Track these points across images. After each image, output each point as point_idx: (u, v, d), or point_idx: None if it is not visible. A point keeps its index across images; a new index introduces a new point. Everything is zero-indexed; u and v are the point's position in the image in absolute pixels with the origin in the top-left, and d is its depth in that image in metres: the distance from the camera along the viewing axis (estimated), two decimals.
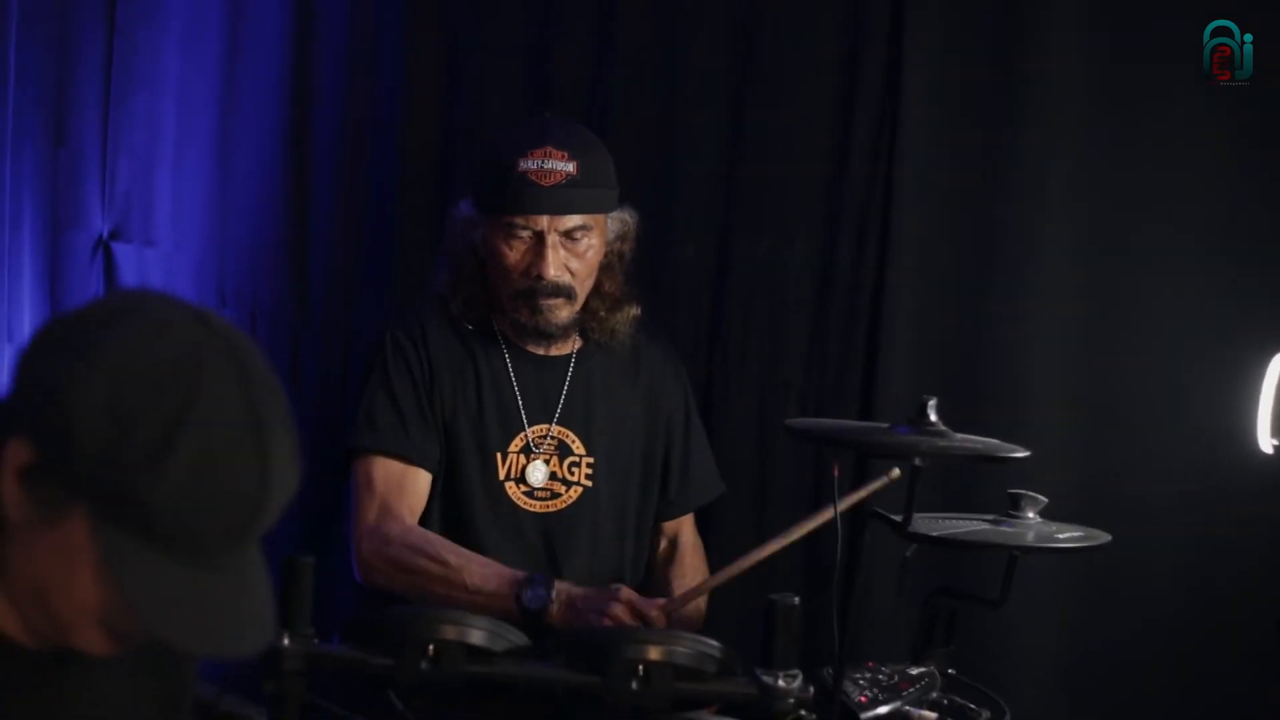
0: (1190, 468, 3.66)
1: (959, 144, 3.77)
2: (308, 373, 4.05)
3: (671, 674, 2.32)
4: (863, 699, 2.71)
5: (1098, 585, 3.69)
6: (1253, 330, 3.52)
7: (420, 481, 3.22)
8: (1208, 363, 3.63)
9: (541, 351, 3.31)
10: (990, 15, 3.74)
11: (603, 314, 3.31)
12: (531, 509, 3.26)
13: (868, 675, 2.79)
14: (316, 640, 2.34)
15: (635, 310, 3.35)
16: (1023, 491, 2.96)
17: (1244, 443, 3.36)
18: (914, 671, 2.84)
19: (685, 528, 3.49)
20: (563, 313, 3.23)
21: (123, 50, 3.87)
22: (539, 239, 3.17)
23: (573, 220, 3.18)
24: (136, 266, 3.98)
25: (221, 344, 1.59)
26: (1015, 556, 2.89)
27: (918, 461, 2.63)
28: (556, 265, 3.18)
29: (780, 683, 2.32)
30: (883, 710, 2.70)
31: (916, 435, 2.69)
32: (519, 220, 3.17)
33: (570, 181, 3.16)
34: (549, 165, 3.15)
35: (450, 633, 2.34)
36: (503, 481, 3.24)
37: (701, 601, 3.29)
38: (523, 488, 3.26)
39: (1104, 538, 2.92)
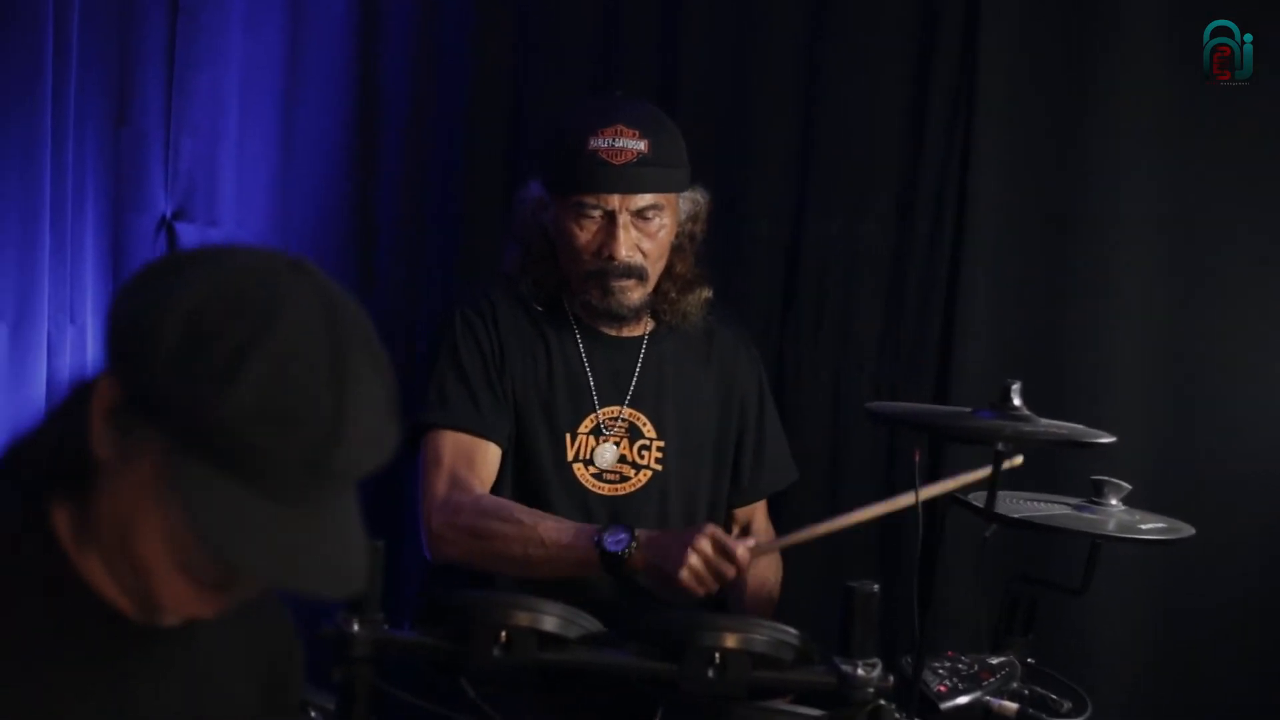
0: (1276, 455, 3.60)
1: (1037, 120, 3.74)
2: None
3: (749, 662, 2.30)
4: (942, 688, 2.67)
5: (1181, 576, 3.66)
6: None
7: (490, 454, 3.17)
8: None
9: (613, 332, 3.27)
10: None
11: (674, 296, 3.26)
12: (599, 491, 3.22)
13: (947, 664, 2.75)
14: (386, 626, 2.32)
15: (707, 292, 3.31)
16: (1106, 478, 2.92)
17: None
18: (994, 661, 2.80)
19: (758, 516, 3.45)
20: (634, 294, 3.19)
21: (186, 30, 3.82)
22: (610, 219, 3.13)
23: (644, 199, 3.14)
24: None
25: (310, 284, 1.60)
26: (1098, 544, 2.85)
27: (1000, 447, 2.59)
28: (628, 246, 3.13)
29: (860, 671, 2.29)
30: (963, 700, 2.67)
31: (1001, 419, 2.64)
32: (590, 200, 3.13)
33: (641, 160, 3.12)
34: (620, 143, 3.11)
35: (523, 619, 2.32)
36: (571, 462, 3.21)
37: (775, 585, 3.29)
38: (591, 469, 3.21)
39: (1187, 530, 2.89)
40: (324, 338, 1.56)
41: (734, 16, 3.84)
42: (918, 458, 2.71)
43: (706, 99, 3.85)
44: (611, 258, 3.13)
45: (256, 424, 1.52)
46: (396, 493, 3.53)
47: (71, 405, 1.65)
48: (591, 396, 3.24)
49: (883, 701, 2.28)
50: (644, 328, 3.30)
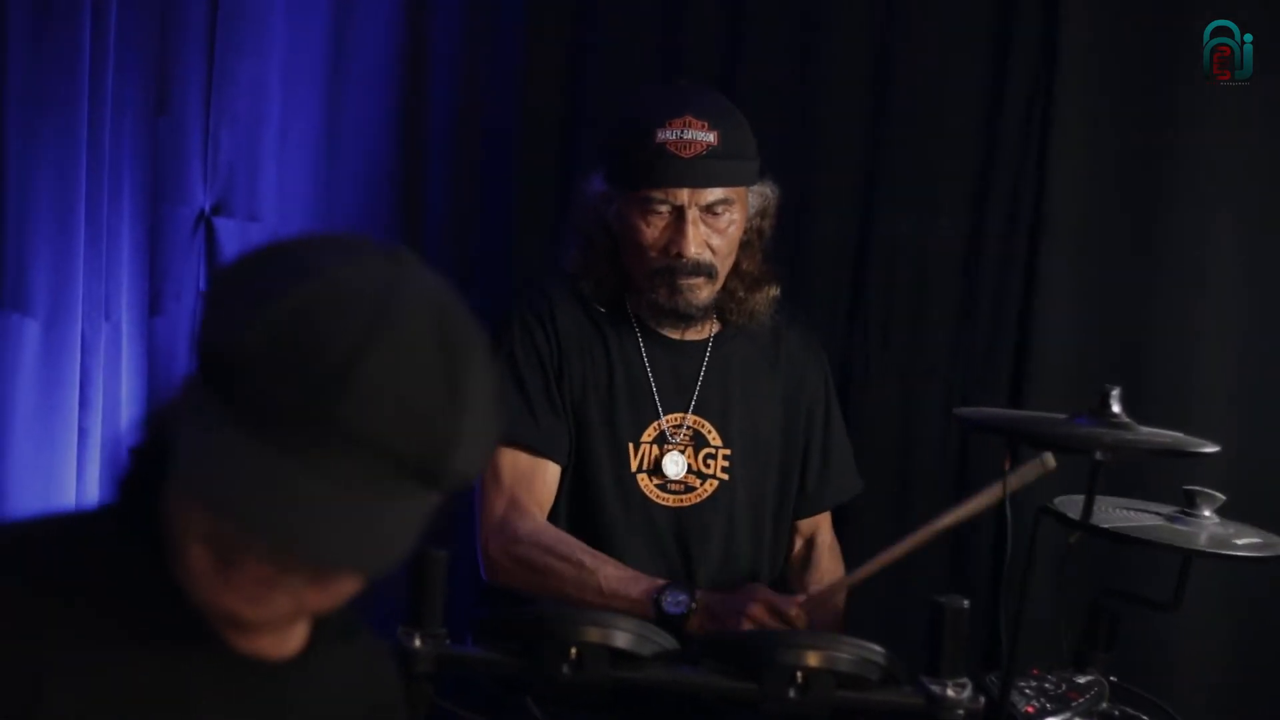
0: None
1: (1117, 114, 3.68)
2: None
3: (832, 681, 2.26)
4: (1029, 709, 2.57)
5: (1274, 590, 3.57)
6: None
7: (549, 474, 3.09)
8: None
9: (677, 335, 3.17)
10: None
11: (741, 294, 3.16)
12: (664, 503, 3.12)
13: (1034, 683, 2.64)
14: (449, 641, 2.27)
15: (775, 291, 3.20)
16: (1200, 488, 2.80)
17: None
18: (1081, 680, 2.69)
19: (822, 527, 3.34)
20: (703, 292, 3.08)
21: (227, 16, 3.79)
22: (678, 214, 3.03)
23: (714, 194, 3.03)
24: (239, 243, 3.87)
25: (415, 271, 1.54)
26: (1190, 558, 2.74)
27: (1099, 455, 2.47)
28: (697, 242, 3.03)
29: (950, 692, 2.25)
30: None
31: (1100, 427, 2.54)
32: (657, 194, 3.02)
33: (711, 153, 3.01)
34: (689, 135, 3.00)
35: (594, 635, 2.28)
36: (635, 473, 3.11)
37: (840, 599, 3.13)
38: (656, 480, 3.12)
39: None
40: (433, 337, 1.49)
41: (800, 2, 3.77)
42: (1008, 466, 2.62)
43: (771, 91, 3.76)
44: (680, 255, 3.03)
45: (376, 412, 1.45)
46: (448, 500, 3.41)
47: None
48: (655, 403, 3.13)
49: None
50: (708, 330, 3.20)
